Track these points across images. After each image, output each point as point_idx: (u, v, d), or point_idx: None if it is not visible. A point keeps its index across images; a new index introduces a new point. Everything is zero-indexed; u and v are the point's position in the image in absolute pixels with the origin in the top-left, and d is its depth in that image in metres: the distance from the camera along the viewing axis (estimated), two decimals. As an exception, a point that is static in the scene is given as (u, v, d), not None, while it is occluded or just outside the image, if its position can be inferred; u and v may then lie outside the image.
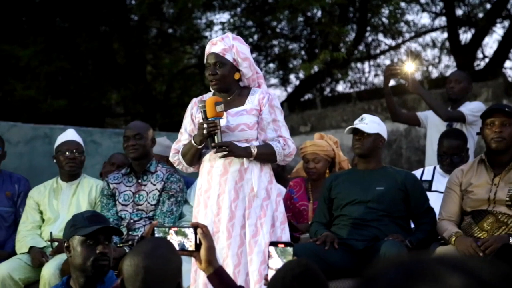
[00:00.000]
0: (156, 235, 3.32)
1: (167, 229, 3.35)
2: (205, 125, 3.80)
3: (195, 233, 3.26)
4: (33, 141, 7.91)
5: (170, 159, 4.16)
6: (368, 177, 4.56)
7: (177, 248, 3.22)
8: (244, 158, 3.90)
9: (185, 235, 3.29)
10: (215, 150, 3.83)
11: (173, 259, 2.73)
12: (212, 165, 3.95)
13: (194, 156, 4.00)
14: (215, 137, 3.81)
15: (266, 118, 3.99)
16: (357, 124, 4.53)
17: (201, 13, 13.24)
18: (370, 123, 4.53)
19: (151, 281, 2.64)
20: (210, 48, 4.00)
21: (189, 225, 3.26)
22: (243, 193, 3.89)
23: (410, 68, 5.55)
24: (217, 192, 3.90)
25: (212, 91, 4.15)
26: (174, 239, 3.24)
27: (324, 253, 4.27)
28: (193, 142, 3.93)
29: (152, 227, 3.36)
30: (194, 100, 4.14)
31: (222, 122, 3.88)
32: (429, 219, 4.51)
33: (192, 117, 4.07)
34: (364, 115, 4.64)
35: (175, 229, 3.35)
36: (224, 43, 3.97)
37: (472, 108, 5.71)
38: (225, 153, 3.82)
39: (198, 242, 3.27)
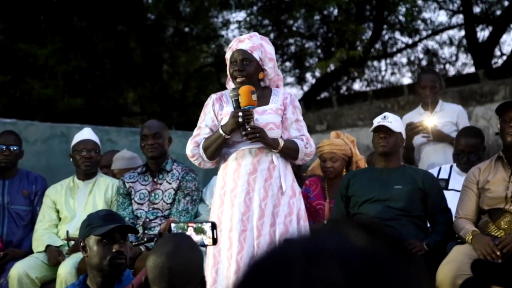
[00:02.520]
0: (174, 232, 3.34)
1: (185, 226, 3.38)
2: (240, 113, 3.80)
3: (212, 228, 3.30)
4: (50, 140, 7.95)
5: (189, 153, 4.07)
6: (386, 175, 4.54)
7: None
8: (273, 155, 3.91)
9: (203, 231, 3.32)
10: (245, 135, 3.82)
11: (195, 256, 2.76)
12: (240, 163, 3.93)
13: (219, 148, 3.97)
14: (246, 125, 3.83)
15: (290, 117, 4.02)
16: (382, 122, 4.50)
17: (218, 12, 13.26)
18: (394, 122, 4.52)
19: (176, 281, 2.68)
20: (237, 45, 4.00)
21: (205, 221, 3.29)
22: (271, 191, 3.89)
23: (430, 122, 5.67)
24: (245, 191, 3.88)
25: (230, 87, 4.15)
26: (194, 237, 3.27)
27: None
28: (221, 131, 3.90)
29: (169, 224, 3.38)
30: (214, 96, 4.12)
31: (254, 111, 3.89)
32: (445, 220, 4.48)
33: (215, 113, 4.05)
34: (387, 114, 4.62)
35: (192, 224, 3.38)
36: (252, 41, 3.98)
37: (465, 119, 5.88)
38: (256, 138, 3.82)
39: (215, 237, 3.32)
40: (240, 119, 3.80)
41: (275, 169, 3.92)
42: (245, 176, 3.90)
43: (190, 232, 3.33)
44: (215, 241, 3.36)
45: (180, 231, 3.37)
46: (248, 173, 3.90)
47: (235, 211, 3.88)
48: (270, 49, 4.05)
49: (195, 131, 4.08)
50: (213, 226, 3.36)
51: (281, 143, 3.90)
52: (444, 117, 5.84)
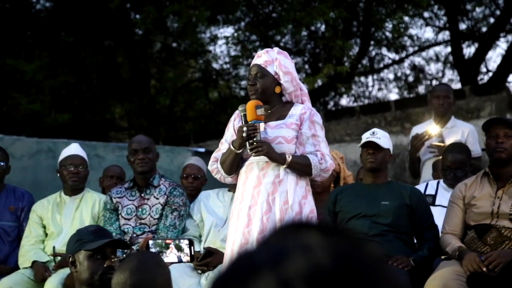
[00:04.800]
0: (152, 249, 3.36)
1: (162, 243, 3.40)
2: (244, 128, 3.82)
3: (190, 245, 3.33)
4: (37, 155, 7.92)
5: (209, 167, 4.15)
6: (373, 191, 4.55)
7: (176, 260, 3.28)
8: (280, 169, 3.88)
9: (181, 248, 3.36)
10: (250, 149, 3.83)
11: (160, 273, 2.74)
12: (248, 176, 3.94)
13: (233, 163, 3.98)
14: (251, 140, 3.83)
15: (305, 133, 3.97)
16: (371, 137, 4.52)
17: (205, 27, 13.27)
18: (383, 138, 4.54)
19: None
20: (254, 60, 4.03)
21: (183, 238, 3.32)
22: (275, 205, 3.85)
23: (434, 130, 5.79)
24: (248, 204, 3.88)
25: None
26: (175, 253, 3.30)
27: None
28: (231, 147, 3.93)
29: (147, 241, 3.39)
30: (237, 111, 4.15)
31: (262, 126, 3.89)
32: (432, 236, 4.50)
33: (234, 128, 4.07)
34: (375, 129, 4.65)
35: (170, 241, 3.41)
36: (268, 55, 3.99)
37: (474, 140, 5.80)
38: (259, 152, 3.81)
39: (192, 253, 3.35)
40: (244, 134, 3.82)
41: (281, 183, 3.88)
42: (250, 189, 3.90)
43: (172, 249, 3.35)
44: (192, 258, 3.41)
45: (157, 248, 3.40)
46: (253, 186, 3.90)
47: (239, 224, 3.89)
48: (286, 62, 4.02)
49: (219, 146, 4.14)
50: (190, 243, 3.40)
51: (289, 158, 3.86)
52: (454, 134, 5.85)
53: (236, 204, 3.98)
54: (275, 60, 3.98)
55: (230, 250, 3.87)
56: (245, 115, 3.86)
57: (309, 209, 3.94)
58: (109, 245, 3.36)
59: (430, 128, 5.81)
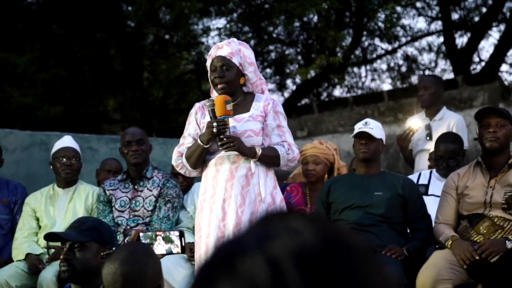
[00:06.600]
0: (143, 241, 3.38)
1: (153, 235, 3.43)
2: (214, 124, 3.81)
3: (180, 237, 3.35)
4: (30, 148, 7.90)
5: (173, 163, 4.14)
6: (366, 182, 4.56)
7: (165, 252, 3.31)
8: (251, 163, 3.90)
9: (171, 240, 3.38)
10: (221, 145, 3.82)
11: (150, 263, 2.76)
12: (218, 169, 3.94)
13: (200, 157, 3.98)
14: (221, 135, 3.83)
15: (270, 124, 3.99)
16: (363, 128, 4.53)
17: (198, 19, 13.24)
18: (375, 128, 4.54)
19: (130, 287, 2.68)
20: (216, 52, 3.99)
21: (173, 230, 3.33)
22: (249, 198, 3.88)
23: (416, 124, 5.81)
24: (222, 197, 3.88)
25: (214, 95, 4.15)
26: (162, 245, 3.32)
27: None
28: (199, 141, 3.92)
29: (137, 233, 3.40)
30: (198, 105, 4.13)
31: (231, 121, 3.89)
32: (425, 226, 4.52)
33: (197, 122, 4.06)
34: (368, 120, 4.65)
35: (161, 233, 3.42)
36: (231, 47, 3.97)
37: (460, 131, 5.75)
38: (231, 147, 3.82)
39: (183, 245, 3.38)
40: (215, 130, 3.81)
41: (253, 176, 3.91)
42: (222, 183, 3.91)
43: (159, 241, 3.37)
44: (183, 249, 3.44)
45: (147, 240, 3.43)
46: (226, 180, 3.90)
47: (213, 217, 3.89)
48: (249, 53, 4.03)
49: (180, 141, 4.11)
50: (181, 235, 3.42)
51: (259, 151, 3.89)
52: (441, 126, 5.84)
53: (207, 197, 3.95)
54: (239, 52, 3.97)
55: (204, 244, 3.86)
56: (212, 110, 3.84)
57: (279, 198, 4.02)
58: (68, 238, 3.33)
59: (411, 123, 5.81)
